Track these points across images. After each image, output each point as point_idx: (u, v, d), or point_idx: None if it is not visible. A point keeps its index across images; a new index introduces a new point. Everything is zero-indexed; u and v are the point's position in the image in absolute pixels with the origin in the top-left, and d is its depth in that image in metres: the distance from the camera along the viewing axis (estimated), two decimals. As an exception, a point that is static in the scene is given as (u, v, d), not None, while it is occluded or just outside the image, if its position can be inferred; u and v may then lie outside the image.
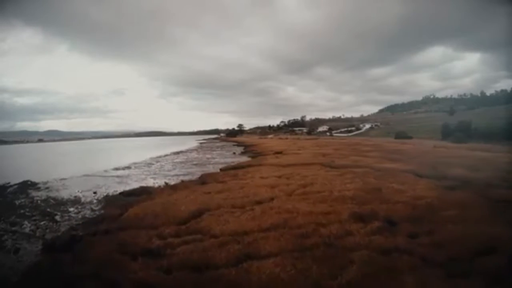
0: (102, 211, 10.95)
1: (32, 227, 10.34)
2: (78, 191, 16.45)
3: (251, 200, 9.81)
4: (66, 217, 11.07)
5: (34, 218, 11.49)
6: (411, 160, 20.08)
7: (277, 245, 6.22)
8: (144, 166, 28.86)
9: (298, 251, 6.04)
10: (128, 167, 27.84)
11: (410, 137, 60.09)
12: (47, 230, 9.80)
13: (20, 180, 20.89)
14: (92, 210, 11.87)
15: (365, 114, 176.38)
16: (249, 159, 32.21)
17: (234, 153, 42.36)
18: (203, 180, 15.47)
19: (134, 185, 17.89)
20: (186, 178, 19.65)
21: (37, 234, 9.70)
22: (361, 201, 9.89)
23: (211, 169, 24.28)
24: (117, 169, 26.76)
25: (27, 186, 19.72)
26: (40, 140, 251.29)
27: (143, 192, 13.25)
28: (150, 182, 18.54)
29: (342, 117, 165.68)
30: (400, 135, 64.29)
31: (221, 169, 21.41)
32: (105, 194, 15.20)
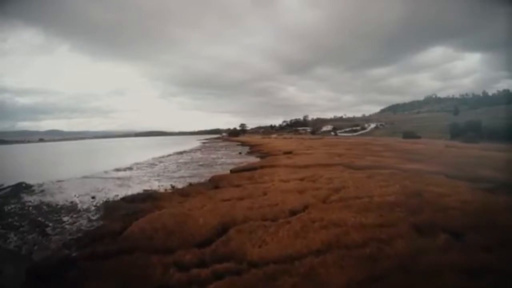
0: (101, 222, 9.20)
1: (18, 242, 8.64)
2: (75, 196, 14.75)
3: (282, 209, 8.08)
4: (59, 229, 9.33)
5: (22, 229, 9.78)
6: (431, 160, 18.86)
7: (342, 274, 4.56)
8: (146, 167, 27.12)
9: (374, 281, 4.50)
10: (130, 168, 26.11)
11: (419, 137, 58.61)
12: (35, 247, 8.08)
13: (15, 181, 19.42)
14: (90, 220, 10.13)
15: (367, 114, 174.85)
16: (257, 159, 30.47)
17: (240, 153, 40.52)
18: (216, 183, 13.70)
19: (137, 188, 16.18)
20: (194, 180, 17.91)
21: (23, 251, 8.00)
22: (410, 208, 8.33)
23: (219, 170, 22.53)
24: (118, 170, 25.02)
25: (20, 189, 18.13)
26: (41, 140, 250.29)
27: (148, 198, 11.49)
28: (154, 185, 16.80)
29: (344, 117, 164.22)
30: (408, 135, 62.68)
31: (231, 171, 19.65)
32: (104, 199, 13.47)
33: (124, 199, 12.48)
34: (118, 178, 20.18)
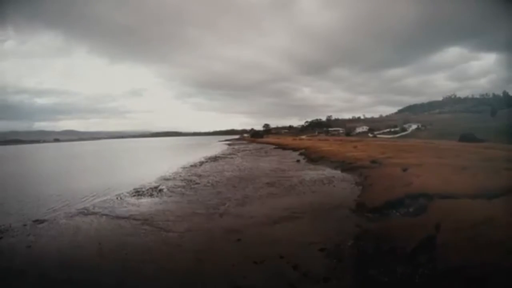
0: None
1: None
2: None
3: None
4: None
5: None
6: None
7: None
8: (182, 186, 17.21)
9: None
10: (158, 189, 16.41)
11: (482, 140, 46.99)
12: None
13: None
14: None
15: (384, 115, 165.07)
16: (338, 171, 20.24)
17: (298, 161, 30.08)
18: None
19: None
20: (316, 241, 7.87)
21: None
22: None
23: (322, 199, 12.40)
24: (138, 193, 15.42)
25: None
26: (56, 140, 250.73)
27: None
28: (240, 271, 6.87)
29: (362, 117, 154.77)
30: (467, 138, 50.81)
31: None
32: None
33: None
34: (143, 221, 10.45)
